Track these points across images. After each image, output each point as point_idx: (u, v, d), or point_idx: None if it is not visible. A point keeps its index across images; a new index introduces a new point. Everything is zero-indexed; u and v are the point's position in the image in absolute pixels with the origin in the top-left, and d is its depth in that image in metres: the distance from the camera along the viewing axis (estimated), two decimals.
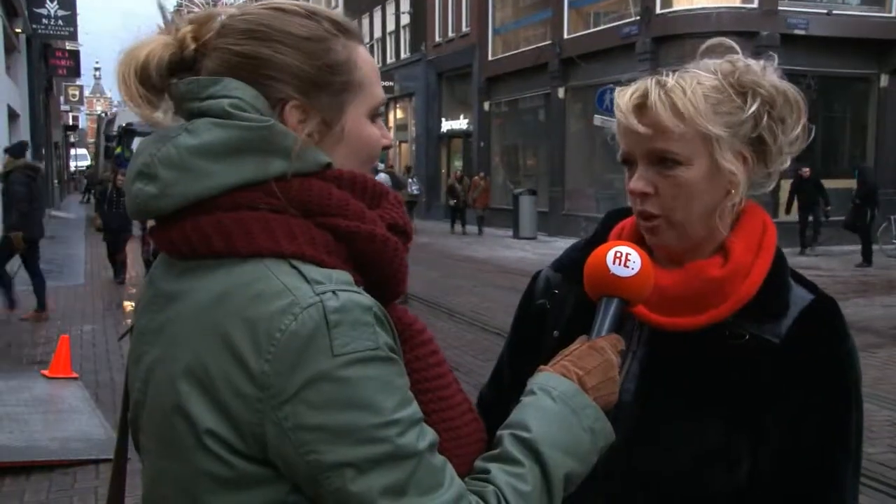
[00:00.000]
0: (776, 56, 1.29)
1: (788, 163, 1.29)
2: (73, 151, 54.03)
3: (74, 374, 6.80)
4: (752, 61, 1.26)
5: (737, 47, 1.27)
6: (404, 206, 1.12)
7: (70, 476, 4.78)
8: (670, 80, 1.22)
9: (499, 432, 1.08)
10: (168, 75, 1.04)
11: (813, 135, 1.28)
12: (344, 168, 1.05)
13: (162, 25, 1.08)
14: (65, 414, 5.87)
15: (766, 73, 1.25)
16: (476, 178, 22.86)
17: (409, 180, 26.78)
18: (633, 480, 1.26)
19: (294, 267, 0.95)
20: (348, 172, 1.04)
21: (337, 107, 1.05)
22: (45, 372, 6.83)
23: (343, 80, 1.05)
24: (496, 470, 1.02)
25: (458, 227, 23.25)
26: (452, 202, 23.53)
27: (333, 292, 0.93)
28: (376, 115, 1.10)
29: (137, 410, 1.07)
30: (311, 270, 0.95)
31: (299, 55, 1.03)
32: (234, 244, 0.96)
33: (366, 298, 0.96)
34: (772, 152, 1.25)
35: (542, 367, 1.17)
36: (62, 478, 4.78)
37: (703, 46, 1.29)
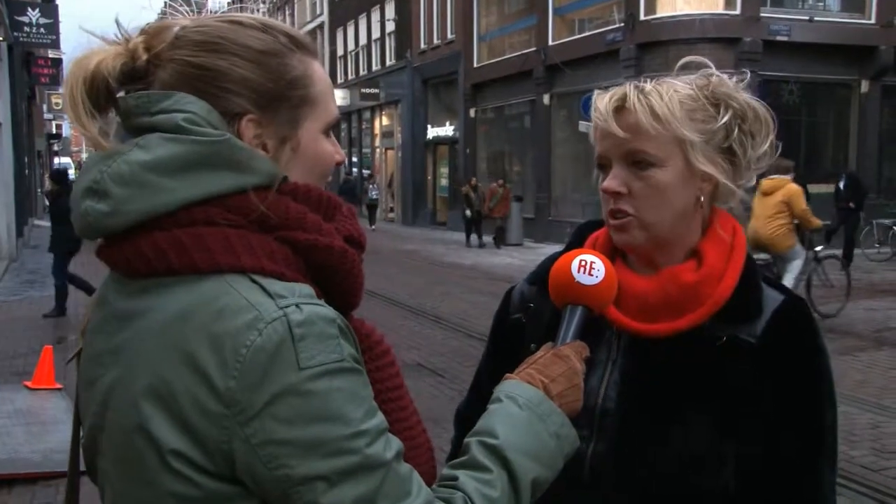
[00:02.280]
0: (748, 72, 1.33)
1: (754, 180, 1.33)
2: (56, 160, 53.71)
3: (58, 385, 6.73)
4: (725, 76, 1.30)
5: (710, 64, 1.31)
6: (359, 216, 1.12)
7: (53, 488, 4.74)
8: (648, 86, 1.26)
9: (466, 439, 1.09)
10: (118, 87, 1.01)
11: (779, 151, 1.32)
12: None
13: (115, 37, 1.04)
14: (48, 425, 5.82)
15: (739, 88, 1.29)
16: (494, 185, 20.70)
17: (370, 186, 28.21)
18: (619, 487, 1.28)
19: (255, 282, 0.94)
20: (303, 185, 1.03)
21: (293, 122, 1.04)
22: (29, 383, 6.77)
23: (300, 95, 1.04)
24: (464, 476, 1.03)
25: (473, 240, 20.63)
26: (468, 212, 20.78)
27: (297, 305, 0.93)
28: (329, 131, 1.10)
29: (94, 434, 1.03)
30: (273, 284, 0.94)
31: (257, 69, 1.01)
32: (192, 260, 0.94)
33: (329, 311, 0.95)
34: (741, 165, 1.29)
35: (508, 374, 1.18)
36: (45, 490, 4.74)
37: (679, 63, 1.32)
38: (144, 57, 1.01)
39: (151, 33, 1.03)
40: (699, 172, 1.26)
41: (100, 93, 1.00)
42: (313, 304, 0.94)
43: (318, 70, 1.08)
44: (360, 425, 0.92)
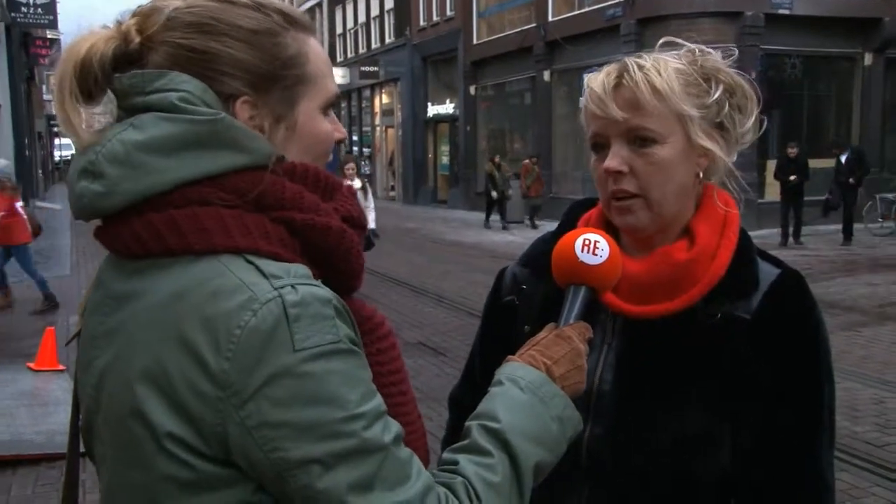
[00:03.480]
0: (735, 49, 1.30)
1: (735, 156, 1.30)
2: (57, 141, 53.60)
3: (61, 367, 6.76)
4: (711, 51, 1.27)
5: (690, 45, 1.29)
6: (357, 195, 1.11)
7: (56, 469, 4.76)
8: (647, 62, 1.23)
9: (467, 423, 1.08)
10: (111, 71, 1.00)
11: (765, 127, 1.30)
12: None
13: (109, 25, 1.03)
14: (51, 407, 5.84)
15: (724, 63, 1.27)
16: (527, 162, 19.11)
17: (361, 162, 28.34)
18: (617, 470, 1.27)
19: (250, 262, 0.93)
20: (301, 165, 1.02)
21: (289, 101, 1.03)
22: (32, 365, 6.80)
23: (295, 74, 1.03)
24: (465, 461, 1.02)
25: (493, 222, 19.61)
26: (493, 193, 19.43)
27: (292, 286, 0.91)
28: (329, 108, 1.08)
29: (90, 417, 1.03)
30: (268, 265, 0.93)
31: (249, 49, 1.00)
32: (187, 241, 0.93)
33: (325, 291, 0.94)
34: (731, 140, 1.27)
35: (509, 356, 1.17)
36: (49, 471, 4.77)
37: (659, 43, 1.29)
38: (137, 40, 1.00)
39: (143, 15, 1.02)
40: (699, 148, 1.24)
41: (90, 78, 0.99)
42: (309, 284, 0.93)
43: (315, 47, 1.06)
44: (357, 408, 0.91)
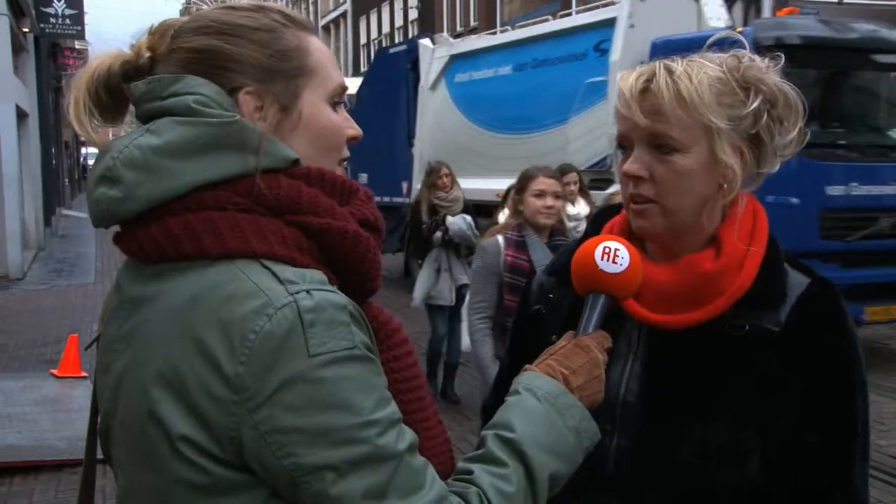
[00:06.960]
0: (781, 56, 1.26)
1: (777, 166, 1.27)
2: (84, 150, 54.36)
3: (84, 374, 6.81)
4: (757, 58, 1.24)
5: (744, 41, 1.25)
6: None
7: (78, 475, 4.74)
8: (678, 67, 1.20)
9: (483, 432, 1.07)
10: (120, 82, 1.04)
11: (808, 139, 1.26)
12: (307, 156, 1.03)
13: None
14: (73, 413, 5.88)
15: (769, 72, 1.23)
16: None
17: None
18: (644, 481, 1.25)
19: (266, 267, 0.93)
20: (317, 169, 1.03)
21: (292, 92, 1.04)
22: (55, 371, 6.86)
23: (296, 66, 1.04)
24: (479, 471, 1.01)
25: None
26: None
27: (307, 291, 0.91)
28: (337, 102, 1.09)
29: (108, 421, 1.04)
30: (284, 270, 0.93)
31: (250, 44, 1.02)
32: (203, 245, 0.94)
33: (340, 297, 0.94)
34: (767, 152, 1.24)
35: (527, 366, 1.15)
36: (71, 477, 4.80)
37: (711, 39, 1.26)
38: (147, 55, 1.04)
39: (156, 33, 1.06)
40: (724, 161, 1.21)
41: (100, 90, 1.03)
42: (324, 290, 0.93)
43: (315, 42, 1.08)
44: (371, 415, 0.91)
